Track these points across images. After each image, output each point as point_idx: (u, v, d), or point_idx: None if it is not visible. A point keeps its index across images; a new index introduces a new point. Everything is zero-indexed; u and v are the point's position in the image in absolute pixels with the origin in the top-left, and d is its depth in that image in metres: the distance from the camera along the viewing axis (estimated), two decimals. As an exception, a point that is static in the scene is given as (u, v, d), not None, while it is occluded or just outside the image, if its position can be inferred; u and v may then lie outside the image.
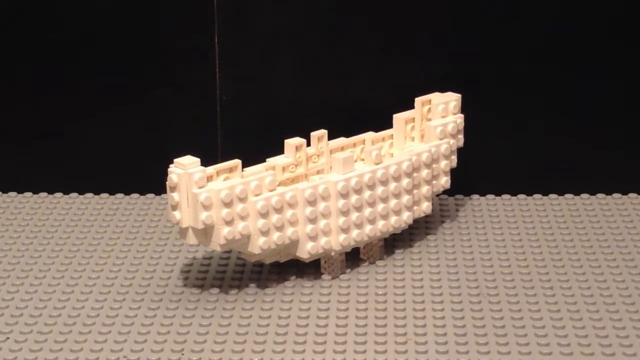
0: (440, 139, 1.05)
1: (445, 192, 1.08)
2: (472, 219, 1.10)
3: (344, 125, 1.06)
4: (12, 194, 1.18)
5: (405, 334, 0.88)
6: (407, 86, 1.10)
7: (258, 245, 0.93)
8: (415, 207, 1.02)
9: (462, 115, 1.07)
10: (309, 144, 1.01)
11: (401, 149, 1.05)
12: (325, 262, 0.99)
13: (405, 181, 0.99)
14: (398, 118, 1.06)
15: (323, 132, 1.02)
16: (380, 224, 0.99)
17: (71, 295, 0.96)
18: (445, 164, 1.05)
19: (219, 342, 0.88)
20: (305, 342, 0.88)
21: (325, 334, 0.89)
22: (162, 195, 1.16)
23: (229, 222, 0.91)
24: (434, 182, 1.05)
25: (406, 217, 1.01)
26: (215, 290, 0.96)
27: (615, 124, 1.14)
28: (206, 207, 0.91)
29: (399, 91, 1.11)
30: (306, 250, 0.96)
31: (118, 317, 0.92)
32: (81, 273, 1.00)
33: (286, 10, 1.13)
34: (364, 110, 1.12)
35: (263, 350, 0.87)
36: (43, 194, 1.18)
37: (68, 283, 0.98)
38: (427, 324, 0.90)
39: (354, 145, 1.04)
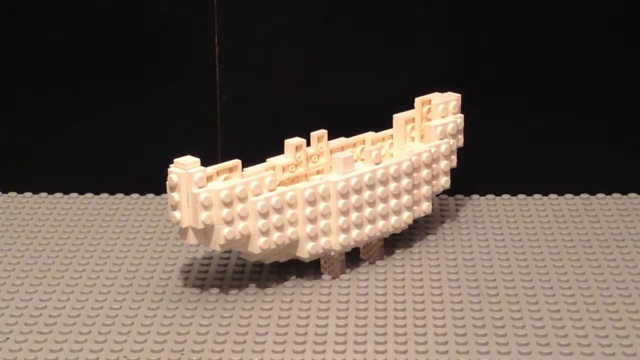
0: (440, 139, 1.05)
1: (445, 192, 1.08)
2: (472, 219, 1.10)
3: (344, 125, 1.06)
4: (12, 194, 1.18)
5: (405, 333, 0.89)
6: (407, 86, 1.10)
7: (258, 245, 0.93)
8: (415, 207, 1.02)
9: (462, 115, 1.07)
10: (309, 144, 1.01)
11: (401, 149, 1.05)
12: (325, 262, 0.99)
13: (405, 181, 0.99)
14: (398, 118, 1.06)
15: (323, 132, 1.02)
16: (380, 224, 0.99)
17: (71, 295, 0.96)
18: (445, 164, 1.05)
19: (219, 342, 0.88)
20: (305, 342, 0.88)
21: (325, 334, 0.89)
22: (162, 195, 1.16)
23: (229, 222, 0.91)
24: (434, 182, 1.05)
25: (406, 217, 1.01)
26: (215, 290, 0.96)
27: (615, 124, 1.14)
28: (206, 207, 0.90)
29: (399, 91, 1.11)
30: (306, 250, 0.96)
31: (118, 317, 0.92)
32: (81, 273, 1.00)
33: (286, 10, 1.13)
34: (364, 110, 1.12)
35: (263, 350, 0.86)
36: (43, 194, 1.18)
37: (68, 283, 0.98)
38: (427, 324, 0.90)
39: (354, 145, 1.04)
